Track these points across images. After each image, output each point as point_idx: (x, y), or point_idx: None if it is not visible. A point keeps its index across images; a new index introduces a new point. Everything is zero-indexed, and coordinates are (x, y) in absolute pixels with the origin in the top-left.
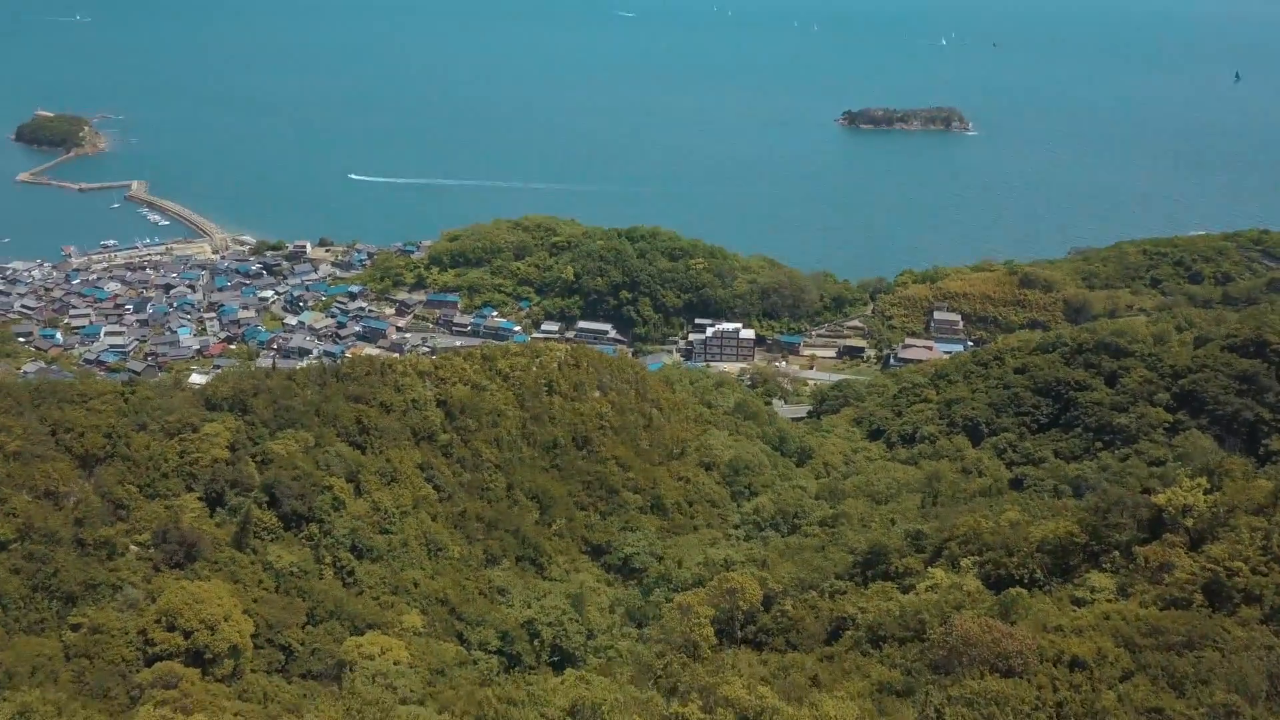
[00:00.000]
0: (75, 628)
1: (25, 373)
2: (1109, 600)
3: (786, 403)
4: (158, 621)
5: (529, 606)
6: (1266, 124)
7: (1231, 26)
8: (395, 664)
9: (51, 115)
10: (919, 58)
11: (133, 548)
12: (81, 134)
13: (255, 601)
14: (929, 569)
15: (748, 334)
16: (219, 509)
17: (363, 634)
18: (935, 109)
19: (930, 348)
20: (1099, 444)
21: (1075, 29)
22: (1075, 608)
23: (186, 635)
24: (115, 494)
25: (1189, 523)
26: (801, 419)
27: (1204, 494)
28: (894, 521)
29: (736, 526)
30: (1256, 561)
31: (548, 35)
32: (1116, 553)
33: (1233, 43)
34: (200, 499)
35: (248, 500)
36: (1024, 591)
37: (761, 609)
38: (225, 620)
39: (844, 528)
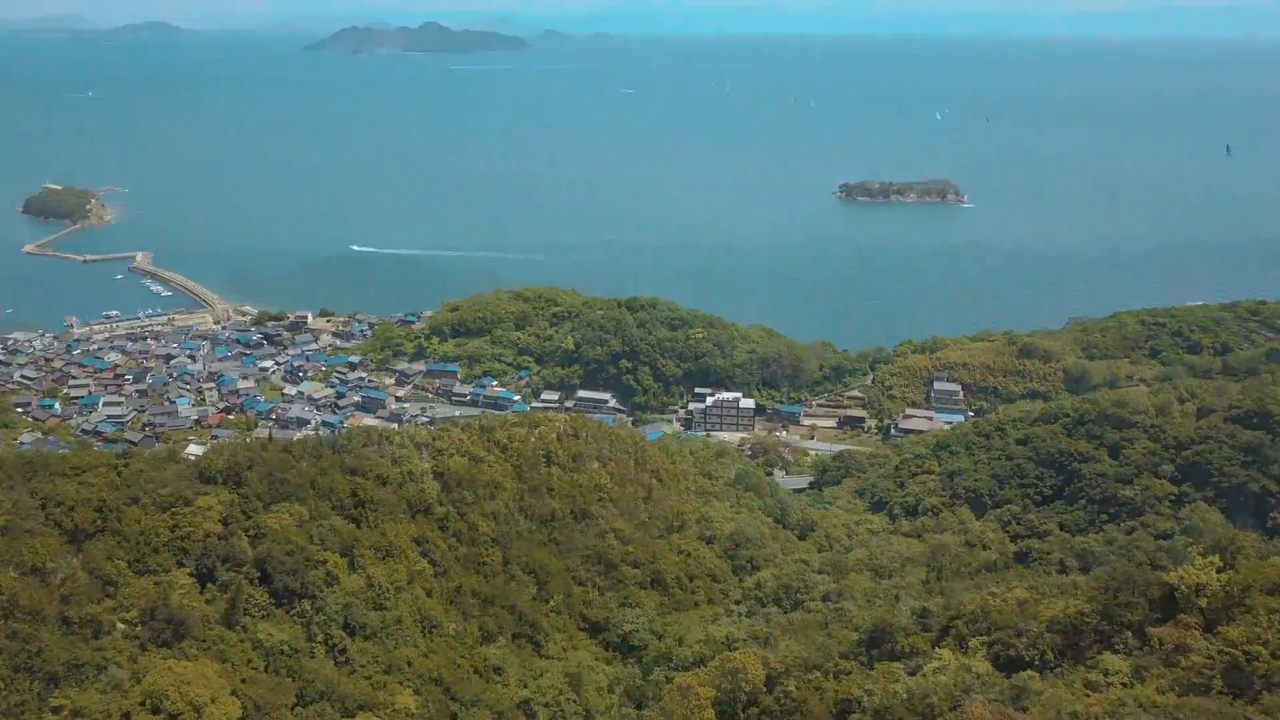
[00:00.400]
0: (56, 710)
1: (22, 443)
2: (1124, 684)
3: (787, 473)
4: (142, 703)
5: (525, 686)
6: (1257, 196)
7: (1224, 102)
8: None
9: (59, 188)
10: (914, 132)
11: (120, 625)
12: (88, 206)
13: (244, 682)
14: (936, 649)
15: (748, 404)
16: (210, 585)
17: (354, 715)
18: (931, 182)
19: (931, 418)
20: (1104, 516)
21: (1066, 104)
22: (1089, 692)
23: (172, 718)
24: (104, 570)
25: (1203, 602)
26: (803, 490)
27: (1216, 572)
28: (898, 597)
29: (738, 602)
30: (1276, 645)
31: (551, 110)
32: (1129, 633)
33: (1223, 116)
34: (191, 575)
35: (239, 576)
36: (1035, 675)
37: (764, 690)
38: (212, 702)
39: (848, 604)
